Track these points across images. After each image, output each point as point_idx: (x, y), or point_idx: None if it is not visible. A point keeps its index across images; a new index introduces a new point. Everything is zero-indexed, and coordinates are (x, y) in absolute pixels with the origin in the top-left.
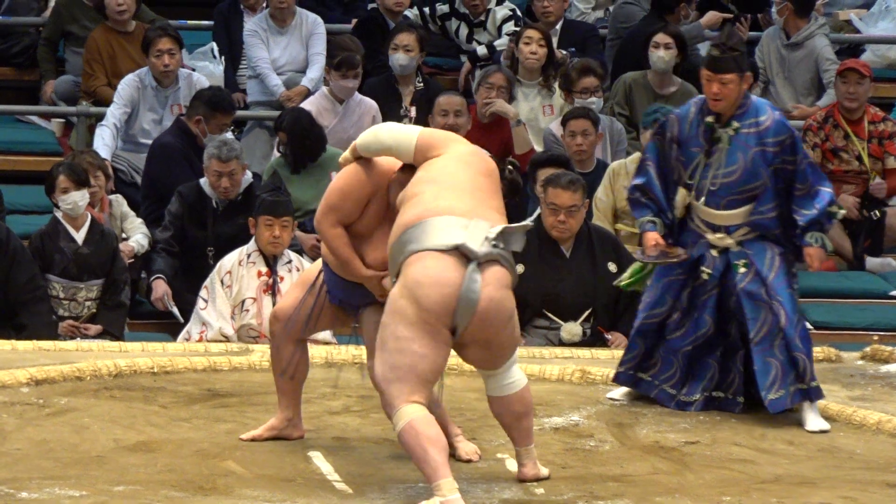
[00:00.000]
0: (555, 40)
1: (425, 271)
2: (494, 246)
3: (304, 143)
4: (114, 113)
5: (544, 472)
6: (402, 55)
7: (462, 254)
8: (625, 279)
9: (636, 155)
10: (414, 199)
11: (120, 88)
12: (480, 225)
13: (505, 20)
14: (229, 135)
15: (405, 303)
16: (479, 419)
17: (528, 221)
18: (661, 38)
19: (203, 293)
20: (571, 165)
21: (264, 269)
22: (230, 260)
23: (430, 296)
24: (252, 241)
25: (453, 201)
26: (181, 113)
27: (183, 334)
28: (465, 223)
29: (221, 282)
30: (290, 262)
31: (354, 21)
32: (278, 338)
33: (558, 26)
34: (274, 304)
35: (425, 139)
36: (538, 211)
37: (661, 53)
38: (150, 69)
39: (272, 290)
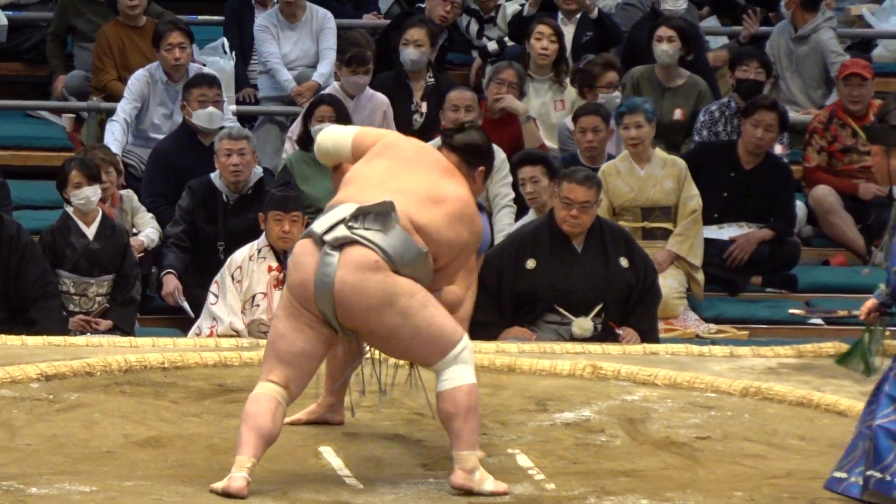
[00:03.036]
0: (573, 29)
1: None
2: (351, 227)
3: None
4: (124, 108)
5: (474, 486)
6: (413, 50)
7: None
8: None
9: (623, 153)
10: None
11: (130, 83)
12: (345, 208)
13: (515, 16)
14: (237, 124)
15: (285, 286)
16: (489, 415)
17: (388, 200)
18: (663, 31)
19: (213, 288)
20: (549, 161)
21: (275, 265)
22: (241, 255)
23: (292, 281)
24: (263, 237)
25: (344, 194)
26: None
27: (193, 329)
28: (333, 208)
29: (232, 277)
30: None
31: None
32: None
33: (577, 16)
34: None
35: (357, 139)
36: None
37: (665, 47)
38: (161, 63)
39: (283, 285)
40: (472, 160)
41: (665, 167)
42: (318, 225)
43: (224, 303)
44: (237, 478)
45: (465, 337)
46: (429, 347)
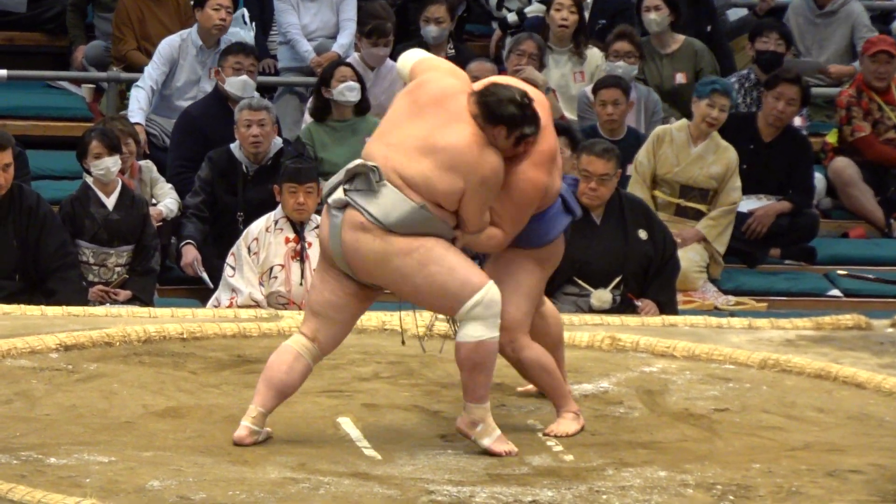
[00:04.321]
0: (588, 11)
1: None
2: (346, 190)
3: (365, 91)
4: (151, 74)
5: (472, 436)
6: (434, 27)
7: None
8: None
9: (682, 121)
10: None
11: (160, 48)
12: (347, 167)
13: None
14: (256, 95)
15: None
16: (508, 386)
17: (363, 161)
18: (650, 1)
19: (230, 260)
20: (573, 132)
21: (292, 236)
22: (257, 227)
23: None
24: (279, 208)
25: (371, 146)
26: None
27: (212, 301)
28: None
29: (248, 249)
30: (317, 227)
31: None
32: None
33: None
34: (302, 271)
35: (413, 69)
36: None
37: (653, 16)
38: (202, 23)
39: (300, 256)
40: (490, 119)
41: (717, 152)
42: (326, 185)
43: (241, 275)
44: (240, 426)
45: (481, 292)
46: (435, 304)
